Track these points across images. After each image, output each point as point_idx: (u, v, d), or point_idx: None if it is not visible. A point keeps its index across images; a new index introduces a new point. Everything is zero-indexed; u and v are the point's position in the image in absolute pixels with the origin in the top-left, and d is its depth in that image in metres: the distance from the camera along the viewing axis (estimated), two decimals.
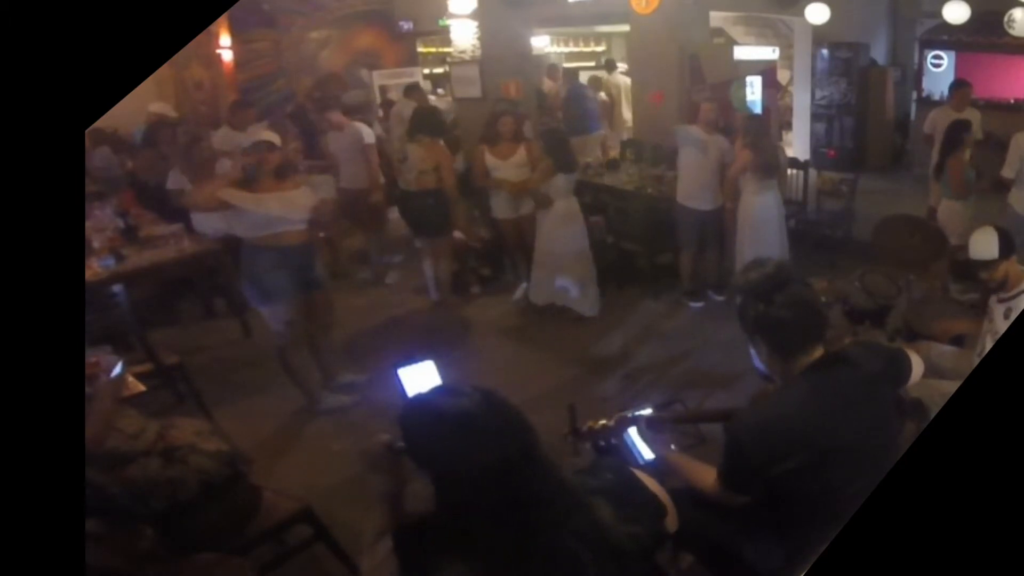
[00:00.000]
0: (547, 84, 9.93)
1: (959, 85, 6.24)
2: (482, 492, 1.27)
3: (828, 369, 1.92)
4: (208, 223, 4.00)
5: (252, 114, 6.37)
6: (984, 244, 3.03)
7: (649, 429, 2.28)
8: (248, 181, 3.75)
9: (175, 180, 5.50)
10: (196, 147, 5.78)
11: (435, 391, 1.38)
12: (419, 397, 1.40)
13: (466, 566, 1.26)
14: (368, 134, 6.06)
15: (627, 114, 9.48)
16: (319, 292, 4.20)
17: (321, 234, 4.39)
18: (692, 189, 5.28)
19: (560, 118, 8.57)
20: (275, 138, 3.99)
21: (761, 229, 5.13)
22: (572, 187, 5.23)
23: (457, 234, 5.82)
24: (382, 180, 6.25)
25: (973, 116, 6.07)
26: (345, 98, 7.95)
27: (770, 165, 5.10)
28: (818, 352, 1.93)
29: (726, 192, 5.25)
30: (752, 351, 2.01)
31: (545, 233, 5.29)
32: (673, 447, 2.33)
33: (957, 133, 5.28)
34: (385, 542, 1.34)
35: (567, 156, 5.17)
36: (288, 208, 3.83)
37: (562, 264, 5.28)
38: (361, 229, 6.58)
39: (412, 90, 8.05)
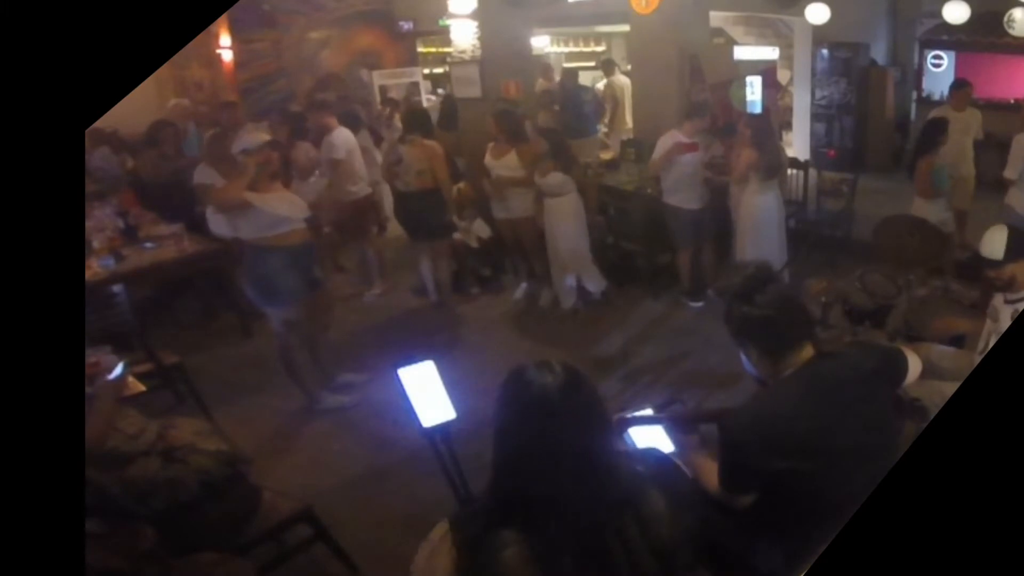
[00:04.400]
0: (540, 84, 9.92)
1: (959, 85, 6.24)
2: (547, 471, 1.29)
3: (822, 368, 1.92)
4: (221, 225, 3.98)
5: (242, 115, 6.33)
6: (994, 243, 3.00)
7: (676, 426, 2.26)
8: (253, 181, 3.77)
9: (203, 174, 5.38)
10: (223, 142, 5.69)
11: (526, 366, 1.40)
12: (515, 369, 1.42)
13: (519, 548, 1.27)
14: (337, 148, 5.59)
15: (627, 116, 9.47)
16: (320, 291, 4.22)
17: (326, 228, 4.34)
18: (678, 190, 5.28)
19: (556, 119, 8.56)
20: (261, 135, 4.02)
21: (761, 229, 5.12)
22: (573, 185, 5.25)
23: (457, 236, 5.82)
24: (360, 193, 5.89)
25: (974, 116, 6.07)
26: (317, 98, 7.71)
27: (773, 165, 5.09)
28: (808, 350, 1.94)
29: (732, 192, 5.23)
30: (743, 356, 2.01)
31: (551, 231, 5.32)
32: (671, 450, 2.33)
33: (932, 133, 5.25)
34: (439, 527, 1.35)
35: (566, 155, 5.24)
36: (292, 207, 3.86)
37: (572, 259, 5.38)
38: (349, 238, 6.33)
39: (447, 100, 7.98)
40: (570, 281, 5.48)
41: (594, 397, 1.39)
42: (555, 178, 5.12)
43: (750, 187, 5.09)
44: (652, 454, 1.51)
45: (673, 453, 2.23)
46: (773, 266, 2.14)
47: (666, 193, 5.36)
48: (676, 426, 2.31)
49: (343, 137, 5.66)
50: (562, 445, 1.30)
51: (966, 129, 5.94)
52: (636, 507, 1.35)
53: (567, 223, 5.27)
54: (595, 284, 5.55)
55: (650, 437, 2.28)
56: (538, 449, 1.31)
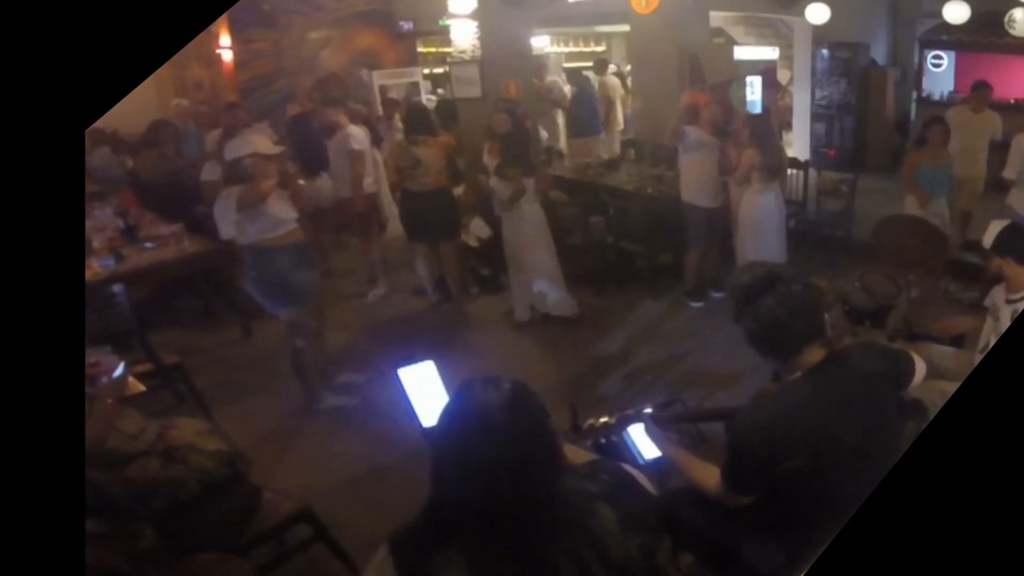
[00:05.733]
0: (535, 84, 9.93)
1: (979, 87, 6.19)
2: (486, 490, 1.26)
3: (831, 369, 1.92)
4: (228, 224, 3.98)
5: (245, 116, 6.32)
6: (991, 234, 3.05)
7: (656, 426, 2.28)
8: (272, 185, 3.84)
9: (212, 172, 5.37)
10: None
11: (474, 380, 1.37)
12: (464, 382, 1.38)
13: (462, 569, 1.25)
14: (357, 140, 5.67)
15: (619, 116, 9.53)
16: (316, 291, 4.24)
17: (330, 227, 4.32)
18: (697, 187, 5.27)
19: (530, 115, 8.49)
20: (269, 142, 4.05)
21: (762, 228, 5.11)
22: (531, 194, 5.01)
23: (462, 237, 5.83)
24: (367, 190, 5.89)
25: (991, 118, 6.03)
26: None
27: (776, 165, 5.08)
28: (818, 351, 1.94)
29: (735, 192, 5.19)
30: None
31: (506, 236, 5.19)
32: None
33: (923, 130, 5.30)
34: (382, 547, 1.33)
35: (519, 159, 4.99)
36: (287, 208, 3.91)
37: (532, 272, 5.17)
38: (354, 237, 6.33)
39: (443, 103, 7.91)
40: (537, 289, 5.25)
41: (540, 417, 1.35)
42: (495, 183, 5.05)
43: (751, 187, 5.09)
44: (604, 468, 1.47)
45: (651, 459, 2.23)
46: (784, 267, 2.14)
47: (684, 191, 5.35)
48: (679, 424, 2.32)
49: (358, 132, 5.67)
50: (502, 464, 1.26)
51: (981, 131, 5.92)
52: (586, 526, 1.32)
53: (523, 231, 5.09)
54: (555, 301, 5.25)
55: (648, 436, 2.29)
56: (477, 467, 1.26)
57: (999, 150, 5.52)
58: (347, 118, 5.76)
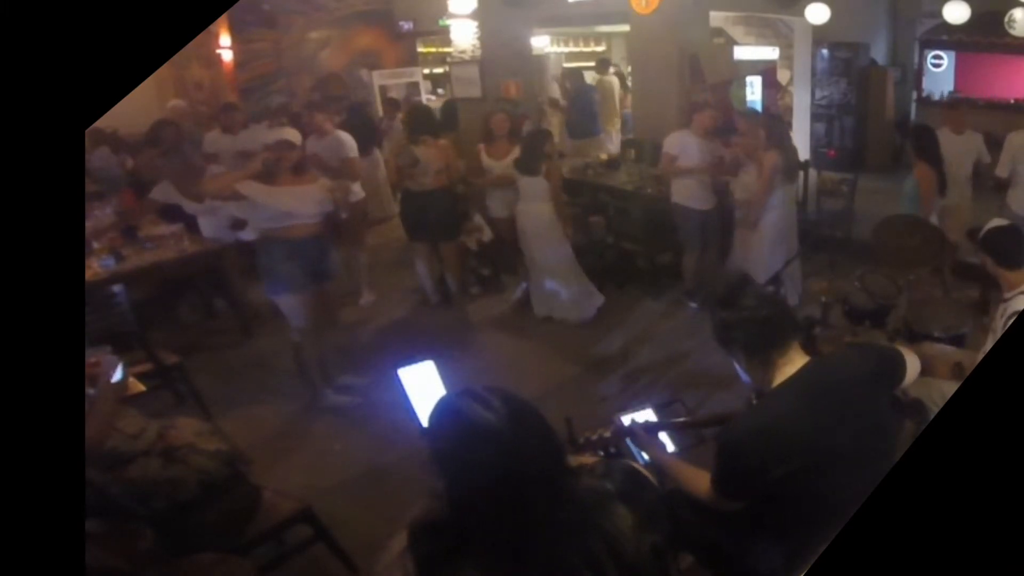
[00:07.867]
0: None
1: (952, 105, 5.93)
2: (494, 501, 1.26)
3: (818, 372, 1.92)
4: (214, 222, 3.99)
5: (244, 117, 6.33)
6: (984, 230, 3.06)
7: (646, 433, 2.28)
8: (266, 176, 3.85)
9: (162, 191, 5.46)
10: (182, 154, 5.73)
11: (464, 394, 1.33)
12: (447, 397, 1.36)
13: (476, 569, 1.25)
14: (351, 147, 5.60)
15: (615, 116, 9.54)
16: (329, 284, 4.24)
17: (343, 215, 4.29)
18: (689, 189, 5.24)
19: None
20: (296, 136, 4.06)
21: (774, 228, 5.07)
22: (543, 191, 5.03)
23: (463, 238, 5.83)
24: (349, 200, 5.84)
25: (975, 141, 5.45)
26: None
27: (792, 167, 5.02)
28: (797, 351, 1.94)
29: (757, 197, 4.95)
30: (736, 366, 2.02)
31: (526, 241, 5.25)
32: (672, 449, 2.34)
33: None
34: (399, 538, 1.33)
35: (534, 159, 5.01)
36: (300, 202, 3.90)
37: (548, 271, 5.25)
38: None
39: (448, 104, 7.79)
40: (550, 287, 5.31)
41: (539, 424, 1.32)
42: (522, 182, 5.06)
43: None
44: (619, 467, 1.46)
45: (648, 462, 2.23)
46: (751, 273, 2.16)
47: (675, 193, 5.32)
48: (667, 428, 2.32)
49: (347, 138, 5.66)
50: (508, 477, 1.25)
51: (962, 156, 5.31)
52: (601, 527, 1.31)
53: (536, 230, 5.12)
54: (579, 311, 5.28)
55: (637, 446, 2.29)
56: (482, 481, 1.25)
57: (997, 149, 5.44)
58: (331, 125, 5.65)
